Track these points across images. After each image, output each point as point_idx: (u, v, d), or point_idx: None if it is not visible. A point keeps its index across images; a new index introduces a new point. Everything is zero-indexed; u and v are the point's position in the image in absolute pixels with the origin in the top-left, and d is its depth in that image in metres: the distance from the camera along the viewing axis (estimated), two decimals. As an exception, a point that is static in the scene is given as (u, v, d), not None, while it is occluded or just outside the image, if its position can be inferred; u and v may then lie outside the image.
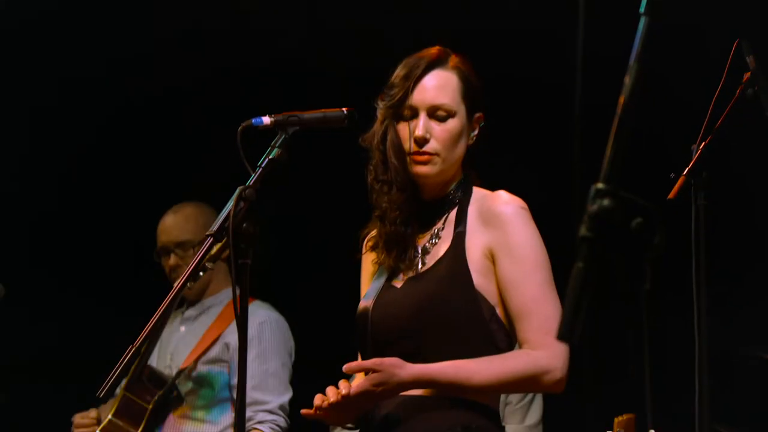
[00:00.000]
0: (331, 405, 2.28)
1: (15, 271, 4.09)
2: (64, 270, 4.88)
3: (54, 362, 4.78)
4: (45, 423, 4.48)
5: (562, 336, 1.04)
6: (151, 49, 4.75)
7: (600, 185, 1.06)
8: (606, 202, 1.05)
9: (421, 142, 2.43)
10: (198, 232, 3.81)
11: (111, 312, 4.72)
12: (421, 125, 2.43)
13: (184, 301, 3.65)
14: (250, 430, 3.66)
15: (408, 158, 2.46)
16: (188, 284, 3.43)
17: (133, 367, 3.52)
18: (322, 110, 2.42)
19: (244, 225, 2.14)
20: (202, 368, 3.74)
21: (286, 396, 3.77)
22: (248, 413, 3.64)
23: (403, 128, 2.47)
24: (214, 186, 4.10)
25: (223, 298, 3.95)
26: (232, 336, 3.74)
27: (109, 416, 3.59)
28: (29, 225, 4.97)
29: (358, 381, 2.38)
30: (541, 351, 2.31)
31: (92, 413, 3.75)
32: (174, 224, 3.92)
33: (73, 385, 4.63)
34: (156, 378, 3.60)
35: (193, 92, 4.88)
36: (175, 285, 2.29)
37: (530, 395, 3.73)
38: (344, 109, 2.42)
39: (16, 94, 4.72)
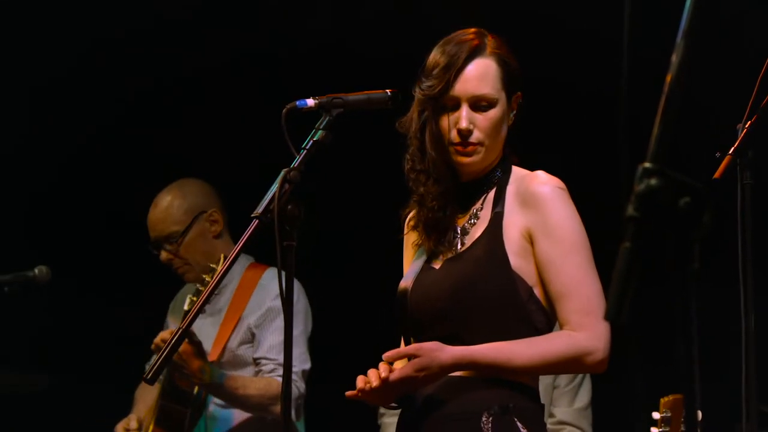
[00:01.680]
0: (373, 389, 2.30)
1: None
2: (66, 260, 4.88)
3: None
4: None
5: (609, 317, 1.04)
6: (168, 27, 4.77)
7: (647, 164, 1.06)
8: (653, 181, 1.04)
9: (466, 133, 2.42)
10: (181, 220, 3.76)
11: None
12: (465, 116, 2.42)
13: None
14: (270, 380, 3.63)
15: (451, 148, 2.46)
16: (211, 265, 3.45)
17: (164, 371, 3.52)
18: (366, 92, 2.42)
19: (289, 207, 2.14)
20: (230, 354, 3.73)
21: (307, 365, 3.74)
22: (273, 374, 3.65)
23: (444, 119, 2.46)
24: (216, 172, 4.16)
25: (233, 275, 3.82)
26: (252, 316, 3.73)
27: (150, 427, 3.60)
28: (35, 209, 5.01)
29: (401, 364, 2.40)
30: (583, 332, 2.32)
31: (133, 422, 3.73)
32: (156, 218, 3.83)
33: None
34: (187, 377, 3.56)
35: (207, 76, 4.90)
36: (219, 270, 2.30)
37: (579, 378, 3.73)
38: (388, 90, 2.42)
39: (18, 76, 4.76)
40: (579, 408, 3.73)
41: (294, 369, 3.42)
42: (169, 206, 3.81)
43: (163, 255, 3.78)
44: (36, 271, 3.79)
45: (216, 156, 4.77)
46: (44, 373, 4.61)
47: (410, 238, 2.67)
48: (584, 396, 3.75)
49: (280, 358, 3.58)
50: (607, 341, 2.32)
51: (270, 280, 3.75)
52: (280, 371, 3.56)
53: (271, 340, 3.67)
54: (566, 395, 3.71)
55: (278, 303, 3.57)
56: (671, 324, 1.10)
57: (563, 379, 3.70)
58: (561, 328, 2.40)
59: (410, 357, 2.34)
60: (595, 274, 2.39)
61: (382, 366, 2.33)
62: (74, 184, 4.97)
